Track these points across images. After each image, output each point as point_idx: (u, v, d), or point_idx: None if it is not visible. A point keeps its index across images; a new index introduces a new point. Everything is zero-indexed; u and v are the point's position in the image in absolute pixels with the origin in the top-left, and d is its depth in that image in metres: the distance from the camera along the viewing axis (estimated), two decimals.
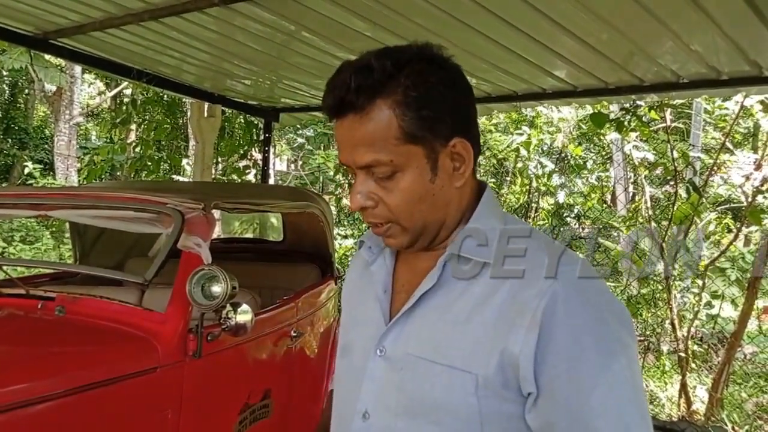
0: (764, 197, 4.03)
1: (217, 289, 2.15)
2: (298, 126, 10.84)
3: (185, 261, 2.28)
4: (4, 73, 16.26)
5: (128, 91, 14.40)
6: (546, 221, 13.55)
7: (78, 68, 13.88)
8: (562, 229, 12.79)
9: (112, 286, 3.16)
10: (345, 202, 7.71)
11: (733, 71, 3.73)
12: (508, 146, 10.93)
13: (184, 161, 9.34)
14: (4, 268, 2.56)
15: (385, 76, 0.98)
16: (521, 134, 8.84)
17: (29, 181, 13.17)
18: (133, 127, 6.81)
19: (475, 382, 0.97)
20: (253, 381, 2.65)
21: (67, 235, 9.04)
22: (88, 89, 18.95)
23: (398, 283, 1.14)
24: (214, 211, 2.48)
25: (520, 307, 0.96)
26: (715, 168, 5.32)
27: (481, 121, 11.58)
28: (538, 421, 0.96)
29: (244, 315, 2.26)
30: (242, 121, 6.45)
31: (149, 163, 5.65)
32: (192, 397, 2.21)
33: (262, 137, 6.27)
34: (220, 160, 6.99)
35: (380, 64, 0.98)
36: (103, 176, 5.77)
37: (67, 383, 1.84)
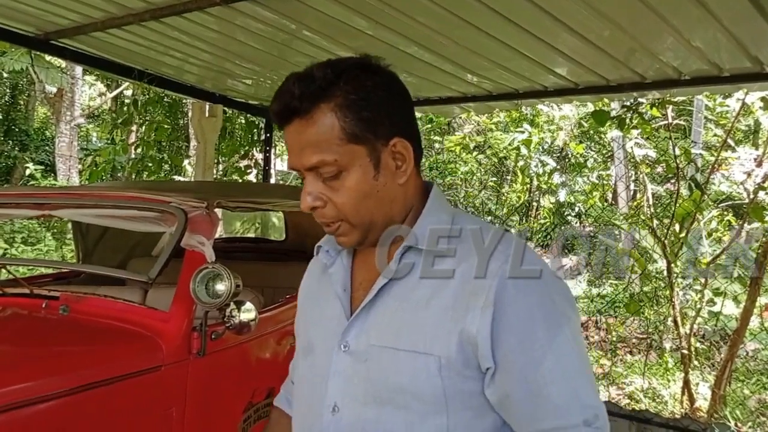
0: (767, 194, 4.02)
1: (221, 287, 2.15)
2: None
3: (189, 259, 2.29)
4: (5, 74, 16.24)
5: (129, 92, 14.41)
6: (547, 219, 13.56)
7: (79, 69, 13.90)
8: (562, 227, 12.79)
9: (116, 286, 3.18)
10: None
11: (734, 68, 3.73)
12: (509, 145, 10.92)
13: (185, 162, 9.35)
14: (8, 267, 2.56)
15: (326, 82, 1.06)
16: (522, 132, 8.82)
17: (30, 183, 13.19)
18: (134, 128, 6.80)
19: (438, 363, 1.04)
20: (257, 379, 2.65)
21: (69, 236, 9.05)
22: (89, 90, 18.96)
23: (356, 282, 1.20)
24: (216, 210, 2.48)
25: (474, 289, 1.04)
26: (717, 165, 5.32)
27: (482, 119, 11.60)
28: (496, 394, 1.04)
29: (247, 313, 2.26)
30: (243, 121, 6.45)
31: (150, 164, 5.65)
32: (196, 395, 2.21)
33: (263, 137, 6.28)
34: (221, 160, 6.99)
35: (321, 72, 1.07)
36: (104, 177, 5.77)
37: (71, 382, 1.85)
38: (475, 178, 13.31)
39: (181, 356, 2.16)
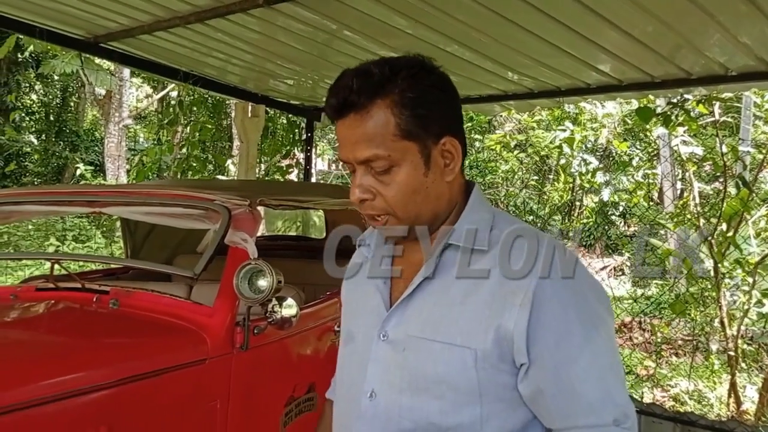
0: None
1: (263, 283, 2.19)
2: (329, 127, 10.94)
3: (232, 256, 2.34)
4: (56, 77, 16.74)
5: (174, 93, 14.72)
6: (590, 219, 13.36)
7: (127, 72, 14.27)
8: (606, 227, 12.57)
9: (162, 282, 3.26)
10: None
11: None
12: (550, 143, 10.80)
13: (228, 161, 9.51)
14: (61, 263, 2.66)
15: (384, 79, 1.10)
16: (564, 130, 8.72)
17: (81, 182, 13.57)
18: (179, 128, 6.96)
19: (474, 356, 1.08)
20: (298, 374, 2.69)
21: (118, 234, 9.30)
22: (136, 92, 19.42)
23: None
24: (258, 208, 2.53)
25: (512, 287, 1.08)
26: (766, 163, 5.18)
27: (523, 117, 11.48)
28: (529, 388, 1.08)
29: (289, 309, 2.31)
30: (284, 121, 6.53)
31: (194, 164, 5.77)
32: (239, 388, 2.26)
33: (304, 137, 6.36)
34: (263, 159, 7.09)
35: (379, 69, 1.10)
36: (151, 176, 5.92)
37: (121, 373, 1.91)
38: (516, 177, 13.20)
39: (225, 350, 2.21)
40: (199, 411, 2.12)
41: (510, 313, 1.06)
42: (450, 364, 1.09)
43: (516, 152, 12.25)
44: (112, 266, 3.76)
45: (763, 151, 5.72)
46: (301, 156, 6.63)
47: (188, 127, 6.10)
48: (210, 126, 6.40)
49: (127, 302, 2.29)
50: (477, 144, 11.98)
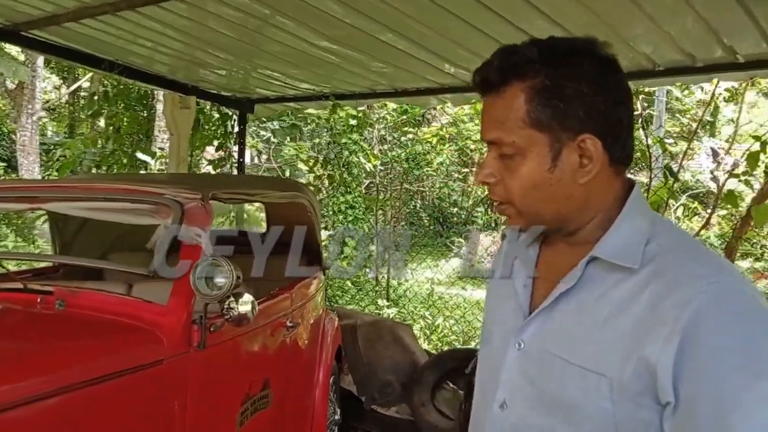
0: (739, 180, 4.14)
1: (221, 279, 2.12)
2: (265, 119, 10.76)
3: (186, 252, 2.25)
4: None
5: (87, 84, 14.11)
6: None
7: (40, 60, 13.51)
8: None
9: (97, 280, 3.12)
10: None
11: (708, 58, 3.78)
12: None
13: (142, 155, 9.10)
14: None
15: (527, 60, 1.02)
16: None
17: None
18: (100, 121, 6.67)
19: (610, 385, 0.98)
20: (254, 371, 2.64)
21: (36, 232, 8.82)
22: (43, 84, 18.45)
23: (538, 278, 1.16)
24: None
25: (660, 316, 0.95)
26: (684, 155, 5.44)
27: (455, 111, 11.61)
28: (675, 430, 0.95)
29: (245, 305, 2.25)
30: (215, 113, 6.36)
31: (122, 158, 5.55)
32: (197, 388, 2.18)
33: (236, 129, 6.21)
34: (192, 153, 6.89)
35: (528, 49, 1.03)
36: (74, 170, 5.64)
37: (73, 377, 1.80)
38: (447, 169, 13.38)
39: (181, 349, 2.13)
40: (157, 414, 2.04)
41: (654, 345, 0.94)
42: (583, 391, 1.00)
43: (447, 145, 12.42)
44: (42, 265, 3.55)
45: (678, 144, 6.02)
46: (231, 148, 6.48)
47: (112, 119, 5.85)
48: (137, 118, 6.15)
49: (75, 302, 2.17)
50: (410, 136, 12.05)
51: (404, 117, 10.58)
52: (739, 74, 3.91)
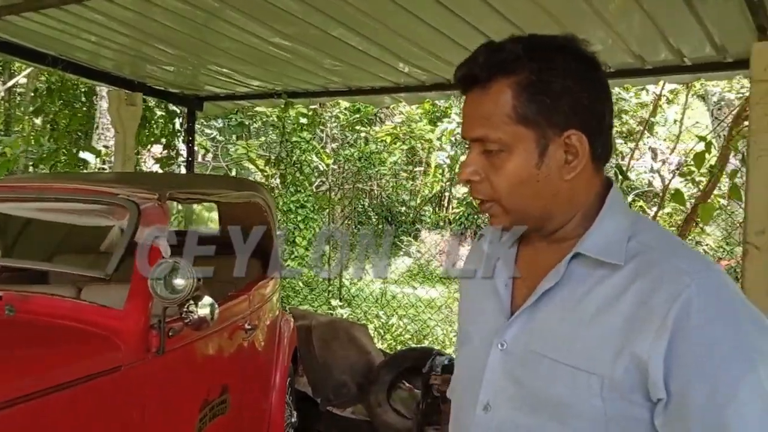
0: (685, 179, 4.26)
1: (181, 281, 2.05)
2: (211, 117, 10.56)
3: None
4: None
5: (23, 81, 13.60)
6: (460, 209, 13.81)
7: None
8: (476, 216, 13.06)
9: (44, 284, 2.99)
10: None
11: (655, 60, 3.86)
12: (438, 136, 11.08)
13: (86, 153, 8.80)
14: None
15: (513, 56, 1.01)
16: (451, 123, 8.97)
17: None
18: (38, 118, 6.42)
19: (600, 383, 0.97)
20: (212, 376, 2.57)
21: None
22: None
23: (518, 277, 1.14)
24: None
25: (649, 311, 0.95)
26: (632, 155, 5.59)
27: (407, 110, 11.63)
28: (668, 427, 0.95)
29: (205, 308, 2.18)
30: (163, 110, 6.20)
31: (65, 156, 5.35)
32: (156, 395, 2.12)
33: (184, 126, 6.06)
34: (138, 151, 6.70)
35: (512, 45, 1.03)
36: (11, 169, 5.41)
37: (28, 387, 1.71)
38: (398, 169, 13.40)
39: (139, 355, 2.05)
40: (115, 422, 1.96)
41: (644, 341, 0.94)
42: (573, 389, 0.99)
43: (398, 144, 12.42)
44: None
45: (627, 143, 6.18)
46: (178, 146, 6.33)
47: (50, 117, 5.63)
48: (76, 115, 5.92)
49: (25, 308, 2.06)
50: (362, 135, 12.01)
51: (357, 116, 10.55)
52: (685, 76, 4.02)
